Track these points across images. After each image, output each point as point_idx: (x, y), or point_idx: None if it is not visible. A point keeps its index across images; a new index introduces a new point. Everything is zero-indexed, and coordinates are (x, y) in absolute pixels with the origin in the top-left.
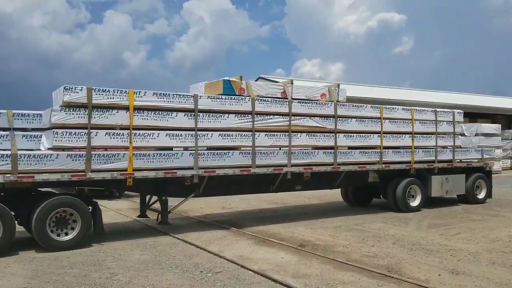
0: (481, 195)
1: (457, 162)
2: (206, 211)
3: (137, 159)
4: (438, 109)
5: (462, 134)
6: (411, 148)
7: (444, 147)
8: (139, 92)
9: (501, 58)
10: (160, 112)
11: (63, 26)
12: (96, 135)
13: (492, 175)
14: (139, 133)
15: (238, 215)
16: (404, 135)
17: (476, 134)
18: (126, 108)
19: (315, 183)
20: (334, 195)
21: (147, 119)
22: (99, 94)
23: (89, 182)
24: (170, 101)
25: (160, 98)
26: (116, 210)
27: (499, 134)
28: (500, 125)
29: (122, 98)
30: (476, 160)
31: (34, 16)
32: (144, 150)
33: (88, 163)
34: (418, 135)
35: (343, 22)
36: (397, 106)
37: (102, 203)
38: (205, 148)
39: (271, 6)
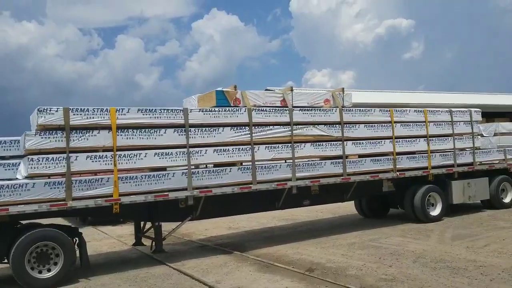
0: (508, 199)
1: (478, 164)
2: (211, 233)
3: (124, 182)
4: (453, 109)
5: (481, 135)
6: (427, 153)
7: (462, 149)
8: (122, 109)
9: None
10: (147, 130)
11: (77, 53)
12: (76, 159)
13: None
14: (124, 154)
15: (244, 236)
16: (418, 139)
17: (495, 134)
18: (108, 127)
19: (325, 196)
20: (348, 207)
21: (133, 138)
22: (77, 114)
23: (71, 211)
24: (157, 117)
25: (146, 114)
26: (117, 237)
27: None
28: None
29: (103, 117)
30: (499, 162)
31: (48, 45)
32: (131, 172)
33: (68, 190)
34: (434, 138)
35: (351, 31)
36: (408, 108)
37: (104, 230)
38: (199, 166)
39: (280, 20)
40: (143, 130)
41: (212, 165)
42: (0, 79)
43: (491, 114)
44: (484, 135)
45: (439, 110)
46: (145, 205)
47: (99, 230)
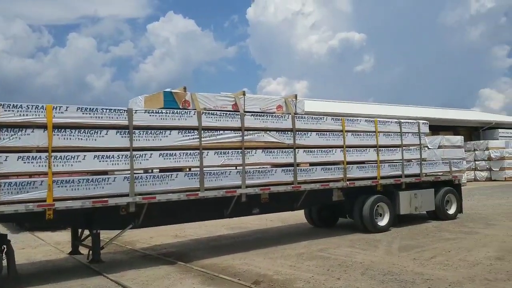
0: (452, 210)
1: (425, 176)
2: (155, 241)
3: (59, 186)
4: (402, 120)
5: (426, 147)
6: (376, 163)
7: (410, 160)
8: (60, 107)
9: (457, 73)
10: (87, 130)
11: (25, 50)
12: (5, 160)
13: None
14: (61, 156)
15: (190, 245)
16: (368, 148)
17: (440, 147)
18: (43, 126)
19: (275, 205)
20: (298, 216)
21: (70, 138)
22: (9, 111)
23: None
24: (99, 117)
25: (86, 113)
26: (54, 244)
27: (462, 146)
28: (462, 137)
29: (39, 115)
30: (444, 173)
31: None
32: (67, 175)
33: None
34: (383, 149)
35: (306, 42)
36: (359, 118)
37: (42, 236)
38: (143, 170)
39: (237, 27)
40: (82, 130)
41: (157, 170)
42: None
43: (436, 128)
44: (430, 147)
45: (389, 121)
46: (82, 211)
47: (36, 236)
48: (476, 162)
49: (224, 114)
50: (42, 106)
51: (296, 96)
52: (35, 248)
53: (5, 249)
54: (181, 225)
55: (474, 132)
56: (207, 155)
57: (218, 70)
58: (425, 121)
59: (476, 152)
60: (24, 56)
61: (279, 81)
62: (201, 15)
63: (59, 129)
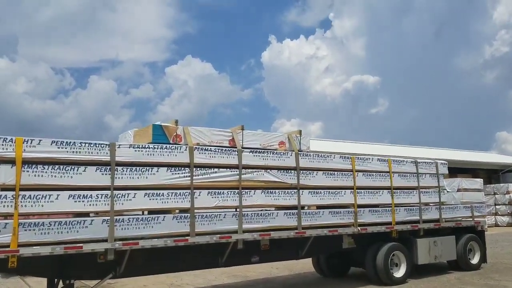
0: (475, 260)
1: (445, 221)
2: None
3: (26, 230)
4: (419, 160)
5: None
6: (390, 206)
7: (427, 204)
8: (31, 140)
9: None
10: (62, 167)
11: (47, 92)
12: None
13: None
14: (30, 195)
15: None
16: (381, 190)
17: (458, 190)
18: (11, 161)
19: (277, 252)
20: (306, 263)
21: (42, 175)
22: None
23: None
24: (76, 152)
25: (62, 147)
26: None
27: (482, 189)
28: (482, 179)
29: (6, 149)
30: (463, 219)
31: (18, 82)
32: (37, 217)
33: None
34: (398, 191)
35: (320, 84)
36: (371, 156)
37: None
38: (125, 212)
39: (253, 70)
40: (56, 166)
41: (141, 212)
42: None
43: (453, 170)
44: (448, 190)
45: (404, 161)
46: (54, 258)
47: (25, 282)
48: (497, 207)
49: (219, 150)
50: (11, 139)
51: (300, 132)
52: None
53: None
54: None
55: (493, 175)
56: (199, 195)
57: (233, 112)
58: (443, 161)
59: (496, 196)
60: (45, 98)
61: (293, 123)
62: (218, 59)
63: (30, 165)
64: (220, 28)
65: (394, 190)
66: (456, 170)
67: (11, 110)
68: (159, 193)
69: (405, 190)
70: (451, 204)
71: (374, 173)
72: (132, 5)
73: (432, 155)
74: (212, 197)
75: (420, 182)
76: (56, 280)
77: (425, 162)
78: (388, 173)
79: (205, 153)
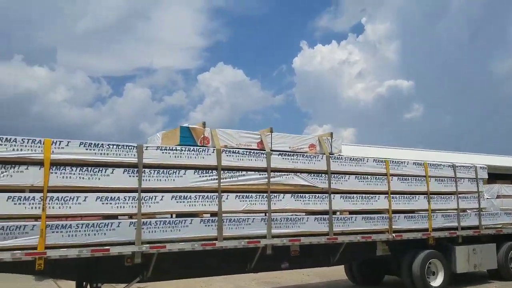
0: None
1: (485, 228)
2: None
3: (53, 232)
4: (457, 164)
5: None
6: (427, 212)
7: (464, 210)
8: (60, 142)
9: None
10: (90, 169)
11: (85, 100)
12: None
13: None
14: (58, 197)
15: None
16: (417, 196)
17: (498, 196)
18: (39, 163)
19: (307, 259)
20: (338, 270)
21: (70, 177)
22: (1, 145)
23: None
24: (104, 154)
25: (90, 149)
26: None
27: None
28: None
29: (35, 150)
30: (504, 226)
31: (57, 91)
32: (64, 219)
33: None
34: (435, 196)
35: (353, 90)
36: (406, 160)
37: (64, 284)
38: (153, 214)
39: (284, 76)
40: (84, 168)
41: (169, 215)
42: (5, 123)
43: (492, 176)
44: (487, 197)
45: (441, 164)
46: (81, 261)
47: (57, 285)
48: None
49: (248, 153)
50: (40, 140)
51: (331, 134)
52: None
53: None
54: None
55: None
56: (226, 198)
57: (264, 118)
58: (483, 165)
59: None
60: (83, 106)
61: (325, 128)
62: (249, 66)
63: (58, 167)
64: (251, 34)
65: (431, 195)
66: (495, 176)
67: (51, 118)
68: (186, 196)
69: (442, 195)
70: (491, 211)
71: (409, 177)
72: (166, 14)
73: (470, 160)
74: (240, 201)
75: (458, 187)
76: (84, 283)
77: (464, 166)
78: (424, 178)
79: (233, 156)
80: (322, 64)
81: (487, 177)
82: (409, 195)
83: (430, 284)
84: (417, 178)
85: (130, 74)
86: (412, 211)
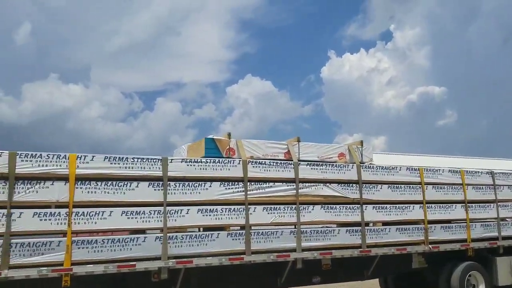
0: None
1: None
2: None
3: (79, 248)
4: (495, 171)
5: None
6: (465, 222)
7: (504, 219)
8: (85, 156)
9: None
10: (115, 183)
11: (118, 115)
12: (19, 217)
13: None
14: (83, 212)
15: None
16: (454, 204)
17: None
18: (65, 178)
19: (339, 272)
20: (373, 283)
21: (95, 192)
22: (26, 161)
23: (7, 283)
24: (129, 167)
25: (115, 163)
26: None
27: None
28: None
29: (60, 165)
30: None
31: (92, 107)
32: (89, 235)
33: (5, 256)
34: (473, 205)
35: (383, 98)
36: (441, 168)
37: None
38: (178, 229)
39: (313, 86)
40: (109, 182)
41: (196, 229)
42: (42, 141)
43: None
44: None
45: (478, 171)
46: (107, 277)
47: None
48: None
49: (275, 164)
50: (65, 155)
51: (361, 143)
52: None
53: None
54: None
55: None
56: (254, 211)
57: (294, 128)
58: None
59: None
60: (116, 121)
61: (355, 137)
62: (277, 77)
63: (83, 181)
64: (279, 45)
65: (469, 204)
66: None
67: (85, 134)
68: (213, 209)
69: (481, 204)
70: None
71: (445, 186)
72: (194, 29)
73: (508, 167)
74: (268, 213)
75: (498, 194)
76: None
77: (503, 173)
78: (461, 186)
79: (259, 167)
80: (350, 72)
81: None
82: (446, 204)
83: None
84: (454, 186)
85: (161, 89)
86: (449, 221)
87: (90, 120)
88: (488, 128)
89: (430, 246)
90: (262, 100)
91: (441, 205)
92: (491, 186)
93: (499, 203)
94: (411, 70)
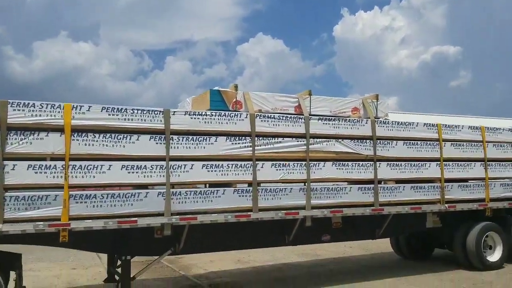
0: None
1: None
2: (214, 266)
3: (77, 202)
4: None
5: None
6: (484, 181)
7: None
8: (81, 107)
9: None
10: (114, 135)
11: (127, 73)
12: (13, 169)
13: None
14: (81, 165)
15: (250, 275)
16: (473, 163)
17: None
18: (60, 129)
19: (350, 231)
20: (383, 242)
21: (93, 144)
22: (19, 110)
23: (2, 238)
24: (129, 119)
25: (113, 114)
26: None
27: None
28: None
29: (54, 116)
30: None
31: (102, 65)
32: (88, 189)
33: None
34: (493, 163)
35: (396, 57)
36: (461, 124)
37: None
38: (183, 184)
39: (326, 45)
40: (108, 135)
41: (202, 185)
42: (56, 96)
43: None
44: None
45: (500, 129)
46: (106, 233)
47: (97, 255)
48: None
49: (284, 118)
50: (59, 105)
51: (377, 97)
52: (86, 269)
53: (17, 273)
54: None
55: None
56: (262, 167)
57: (305, 88)
58: None
59: None
60: (126, 79)
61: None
62: (289, 35)
63: (80, 133)
64: (290, 3)
65: (488, 162)
66: None
67: (96, 92)
68: (218, 165)
69: (501, 162)
70: None
71: (464, 143)
72: None
73: None
74: (277, 170)
75: None
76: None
77: None
78: (481, 143)
79: (268, 121)
80: (364, 31)
81: None
82: (464, 162)
83: (486, 259)
84: (473, 143)
85: (171, 48)
86: (467, 180)
87: (100, 78)
88: (503, 90)
89: (446, 205)
90: (273, 60)
91: (459, 163)
92: None
93: None
94: (426, 29)
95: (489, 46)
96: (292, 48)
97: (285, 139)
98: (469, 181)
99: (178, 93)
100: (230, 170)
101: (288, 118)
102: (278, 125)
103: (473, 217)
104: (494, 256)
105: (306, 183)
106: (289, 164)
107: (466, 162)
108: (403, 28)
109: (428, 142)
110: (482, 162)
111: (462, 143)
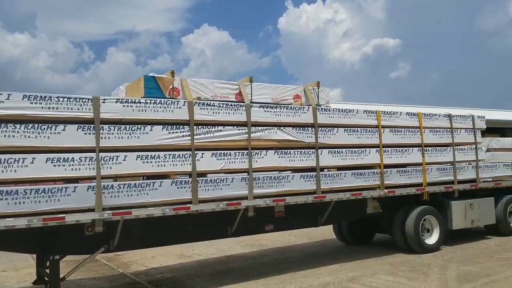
0: None
1: (483, 181)
2: (155, 262)
3: None
4: (453, 114)
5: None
6: (421, 166)
7: (461, 162)
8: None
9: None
10: (36, 126)
11: (67, 66)
12: None
13: None
14: (0, 159)
15: (192, 269)
16: (411, 148)
17: (488, 150)
18: None
19: (293, 220)
20: (327, 229)
21: (13, 136)
22: None
23: None
24: (53, 108)
25: (36, 103)
26: None
27: None
28: None
29: None
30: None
31: (39, 58)
32: (9, 185)
33: None
34: (430, 148)
35: (339, 50)
36: (399, 111)
37: None
38: (114, 177)
39: (271, 37)
40: (30, 125)
41: (137, 177)
42: None
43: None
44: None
45: (436, 115)
46: (33, 232)
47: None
48: None
49: (224, 105)
50: None
51: (318, 84)
52: (17, 270)
53: None
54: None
55: None
56: (201, 157)
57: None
58: (481, 115)
59: None
60: (66, 72)
61: None
62: (235, 27)
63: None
64: None
65: (425, 148)
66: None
67: (33, 85)
68: (154, 155)
69: (437, 148)
70: (490, 163)
71: (402, 129)
72: None
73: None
74: (217, 159)
75: (455, 138)
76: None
77: (460, 116)
78: (418, 129)
79: (207, 109)
80: (307, 24)
81: (485, 127)
82: (402, 148)
83: (424, 242)
84: (411, 129)
85: (113, 38)
86: (405, 165)
87: (38, 71)
88: (439, 80)
89: (385, 190)
90: (219, 51)
91: (398, 149)
92: (448, 130)
93: (455, 147)
94: (367, 22)
95: (426, 38)
96: (238, 40)
97: (226, 127)
98: (407, 167)
99: (121, 85)
100: (168, 161)
101: (228, 106)
102: (218, 113)
103: (411, 202)
104: (432, 239)
105: (248, 172)
106: (230, 153)
107: (404, 148)
108: (345, 21)
109: (368, 129)
110: (419, 148)
111: (400, 129)
